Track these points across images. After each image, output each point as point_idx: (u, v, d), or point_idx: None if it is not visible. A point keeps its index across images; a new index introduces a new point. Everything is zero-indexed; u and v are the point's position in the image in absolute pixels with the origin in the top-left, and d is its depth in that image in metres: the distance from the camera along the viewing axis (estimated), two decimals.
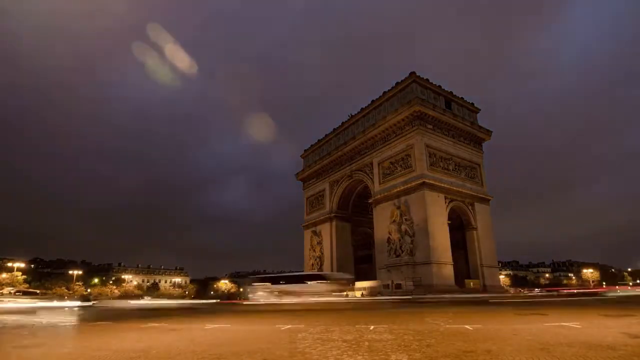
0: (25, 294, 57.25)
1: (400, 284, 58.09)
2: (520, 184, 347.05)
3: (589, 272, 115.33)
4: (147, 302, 77.45)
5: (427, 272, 57.37)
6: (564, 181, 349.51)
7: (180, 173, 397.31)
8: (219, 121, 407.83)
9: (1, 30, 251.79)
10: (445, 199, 63.58)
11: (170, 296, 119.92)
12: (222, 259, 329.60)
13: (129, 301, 74.62)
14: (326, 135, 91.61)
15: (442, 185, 63.51)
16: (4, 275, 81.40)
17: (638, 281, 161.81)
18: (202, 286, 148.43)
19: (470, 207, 67.42)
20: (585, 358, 7.57)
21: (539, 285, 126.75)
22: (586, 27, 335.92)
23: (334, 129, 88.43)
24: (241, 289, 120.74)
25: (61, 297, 74.67)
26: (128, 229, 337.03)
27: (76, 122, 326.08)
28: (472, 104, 76.38)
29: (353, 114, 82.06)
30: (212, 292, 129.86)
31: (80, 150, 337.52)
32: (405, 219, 62.56)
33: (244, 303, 54.28)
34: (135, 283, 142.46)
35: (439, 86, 70.68)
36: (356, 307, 33.61)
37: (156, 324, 18.74)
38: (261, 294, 51.85)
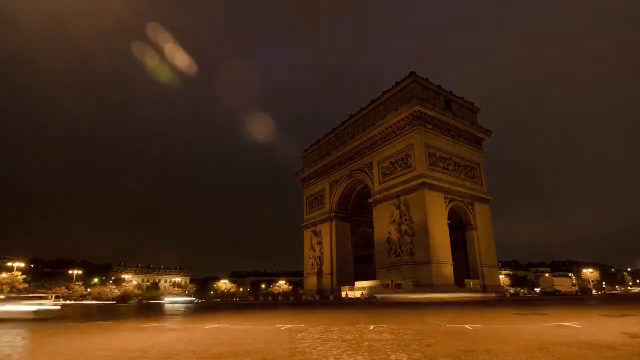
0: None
1: (401, 284, 58.05)
2: (521, 184, 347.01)
3: (589, 272, 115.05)
4: None
5: (427, 272, 57.37)
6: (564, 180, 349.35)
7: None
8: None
9: (2, 29, 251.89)
10: (445, 198, 63.57)
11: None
12: (222, 259, 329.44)
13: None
14: (326, 135, 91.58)
15: (442, 185, 63.50)
16: (4, 275, 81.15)
17: (638, 281, 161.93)
18: (202, 286, 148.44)
19: (470, 207, 67.41)
20: (585, 358, 7.56)
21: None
22: None
23: (334, 129, 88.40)
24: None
25: None
26: (128, 228, 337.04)
27: (75, 122, 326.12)
28: (472, 103, 76.38)
29: (353, 114, 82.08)
30: (212, 292, 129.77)
31: (80, 149, 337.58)
32: (405, 219, 62.55)
33: None
34: (135, 283, 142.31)
35: (439, 86, 70.69)
36: None
37: (156, 324, 18.75)
38: None
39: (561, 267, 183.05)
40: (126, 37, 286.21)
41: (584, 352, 8.10)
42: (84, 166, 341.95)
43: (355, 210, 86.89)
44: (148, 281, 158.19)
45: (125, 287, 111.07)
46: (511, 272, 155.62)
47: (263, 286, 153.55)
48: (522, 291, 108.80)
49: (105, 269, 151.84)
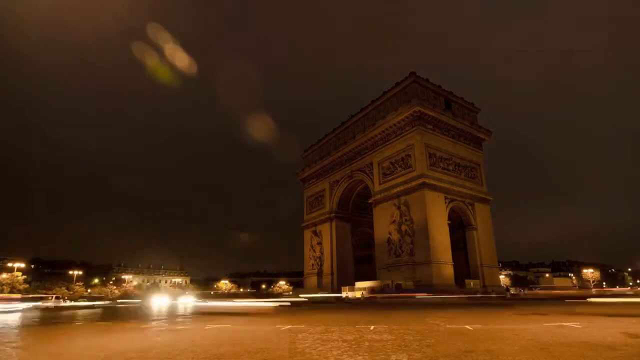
0: None
1: (400, 284, 58.03)
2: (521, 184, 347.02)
3: (589, 272, 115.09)
4: None
5: (427, 272, 57.33)
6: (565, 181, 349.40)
7: None
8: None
9: (3, 29, 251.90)
10: (445, 198, 63.54)
11: None
12: (222, 259, 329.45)
13: None
14: (326, 135, 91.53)
15: (442, 185, 63.47)
16: (4, 275, 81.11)
17: (638, 281, 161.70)
18: (203, 286, 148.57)
19: (470, 207, 67.37)
20: (585, 358, 7.57)
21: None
22: None
23: (334, 129, 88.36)
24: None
25: None
26: (128, 228, 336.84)
27: (75, 122, 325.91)
28: (472, 103, 76.32)
29: (353, 114, 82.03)
30: (212, 292, 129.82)
31: (80, 149, 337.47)
32: (405, 219, 62.52)
33: None
34: (135, 283, 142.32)
35: (439, 86, 70.63)
36: None
37: (156, 324, 18.76)
38: None
39: (561, 267, 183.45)
40: (126, 37, 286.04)
41: (584, 352, 8.11)
42: (83, 166, 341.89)
43: (355, 210, 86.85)
44: (148, 281, 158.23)
45: (126, 287, 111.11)
46: (511, 272, 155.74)
47: (263, 286, 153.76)
48: (522, 290, 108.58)
49: (105, 269, 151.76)
